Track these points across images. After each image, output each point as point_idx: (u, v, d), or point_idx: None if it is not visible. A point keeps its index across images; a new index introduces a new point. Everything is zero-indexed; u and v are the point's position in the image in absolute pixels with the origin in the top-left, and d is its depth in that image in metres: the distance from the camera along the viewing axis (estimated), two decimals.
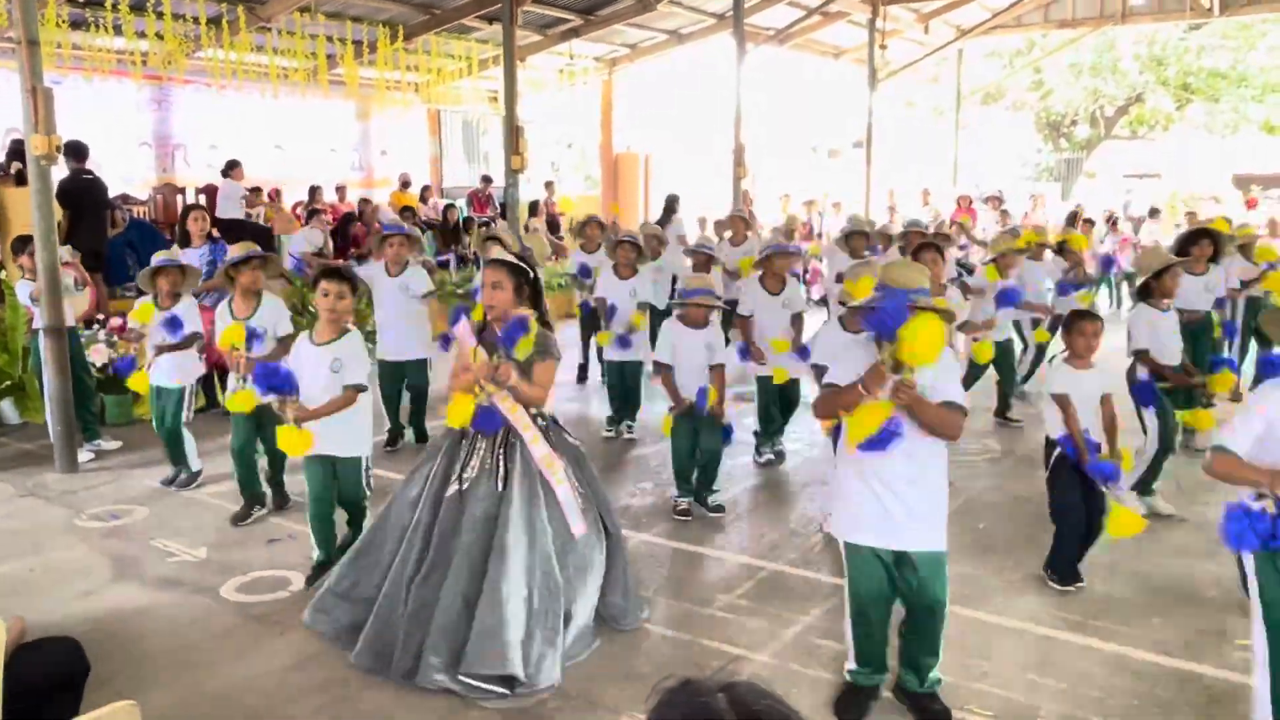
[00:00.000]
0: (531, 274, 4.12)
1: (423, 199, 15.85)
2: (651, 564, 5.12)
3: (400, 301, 7.13)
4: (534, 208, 16.08)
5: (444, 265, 13.51)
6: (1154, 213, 16.41)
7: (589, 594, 4.13)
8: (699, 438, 5.76)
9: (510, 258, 4.13)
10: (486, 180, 16.98)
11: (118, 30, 10.84)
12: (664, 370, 5.80)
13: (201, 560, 5.23)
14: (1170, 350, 5.75)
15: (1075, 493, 4.67)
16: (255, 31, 12.18)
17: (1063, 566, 4.74)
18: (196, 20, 11.47)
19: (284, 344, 5.53)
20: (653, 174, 20.40)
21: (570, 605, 4.00)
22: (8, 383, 8.04)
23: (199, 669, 4.06)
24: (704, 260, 8.38)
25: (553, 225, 16.34)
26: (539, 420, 4.08)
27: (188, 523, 5.81)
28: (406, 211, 13.96)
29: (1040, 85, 31.27)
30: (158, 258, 6.34)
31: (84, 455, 7.08)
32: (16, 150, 9.30)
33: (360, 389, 4.79)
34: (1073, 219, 16.03)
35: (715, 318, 5.99)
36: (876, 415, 3.28)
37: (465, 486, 4.01)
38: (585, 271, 9.02)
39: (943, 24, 18.95)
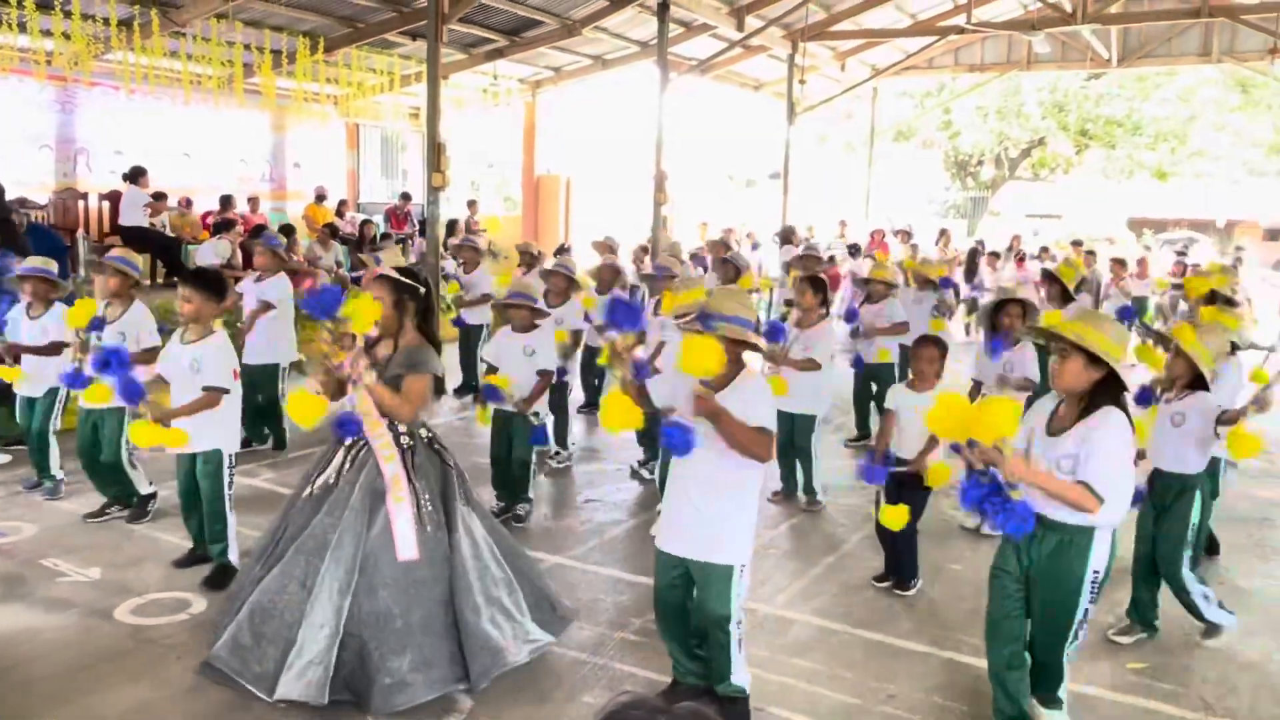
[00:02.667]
0: (421, 289, 4.09)
1: (339, 213, 15.56)
2: (565, 588, 5.09)
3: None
4: (451, 227, 15.87)
5: (358, 281, 13.28)
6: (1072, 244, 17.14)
7: (429, 623, 3.86)
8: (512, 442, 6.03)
9: (391, 272, 4.08)
10: (406, 197, 16.77)
11: (22, 28, 10.42)
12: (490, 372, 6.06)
13: (95, 581, 5.01)
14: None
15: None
16: (169, 36, 11.83)
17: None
18: (107, 21, 11.10)
19: (149, 355, 5.41)
20: (574, 197, 20.44)
21: (405, 633, 3.79)
22: None
23: (91, 694, 3.88)
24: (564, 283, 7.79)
25: None
26: (402, 439, 3.97)
27: (81, 541, 5.56)
28: (325, 227, 13.68)
29: (949, 126, 32.40)
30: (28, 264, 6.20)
31: None
32: None
33: (220, 390, 4.83)
34: (974, 255, 16.62)
35: (548, 325, 6.34)
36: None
37: (315, 491, 3.98)
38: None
39: (859, 63, 19.52)
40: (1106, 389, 3.40)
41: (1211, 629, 4.60)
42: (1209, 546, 5.64)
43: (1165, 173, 31.98)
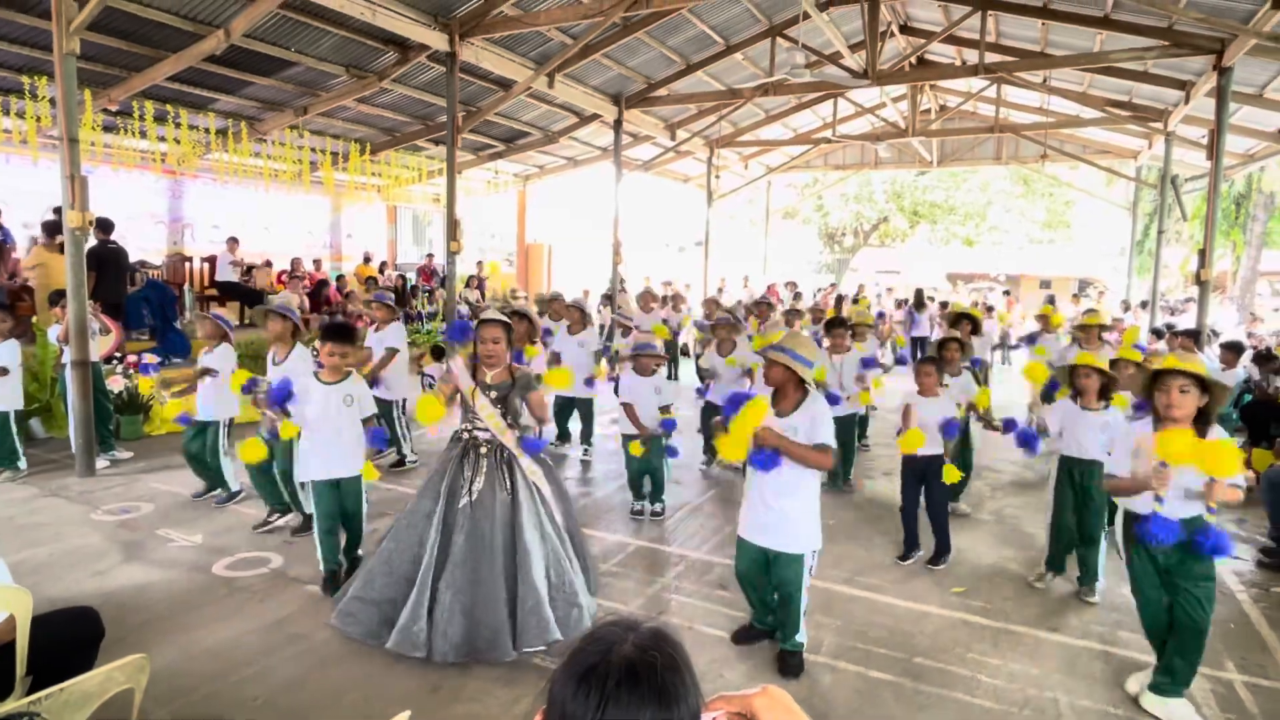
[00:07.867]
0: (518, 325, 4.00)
1: (381, 270, 15.37)
2: None
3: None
4: (470, 280, 15.76)
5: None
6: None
7: (582, 561, 3.91)
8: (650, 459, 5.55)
9: (502, 317, 3.88)
10: (430, 257, 16.62)
11: (142, 134, 10.17)
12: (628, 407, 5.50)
13: (197, 545, 4.88)
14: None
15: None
16: (254, 141, 11.63)
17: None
18: (207, 130, 10.89)
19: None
20: (554, 259, 20.43)
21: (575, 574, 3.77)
22: (36, 404, 7.33)
23: (195, 630, 3.77)
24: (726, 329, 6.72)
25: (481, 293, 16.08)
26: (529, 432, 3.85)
27: (186, 516, 5.41)
28: (370, 280, 13.51)
29: (821, 208, 32.90)
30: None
31: (101, 463, 6.50)
32: (57, 224, 8.57)
33: (378, 417, 4.40)
34: (840, 301, 16.77)
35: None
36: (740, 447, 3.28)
37: (475, 498, 3.62)
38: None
39: (757, 163, 19.76)
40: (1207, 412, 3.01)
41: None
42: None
43: (971, 240, 32.83)
